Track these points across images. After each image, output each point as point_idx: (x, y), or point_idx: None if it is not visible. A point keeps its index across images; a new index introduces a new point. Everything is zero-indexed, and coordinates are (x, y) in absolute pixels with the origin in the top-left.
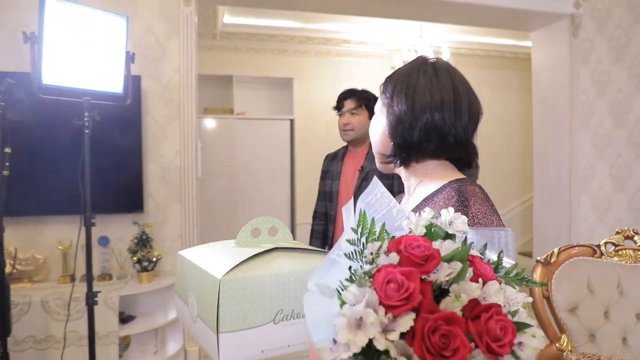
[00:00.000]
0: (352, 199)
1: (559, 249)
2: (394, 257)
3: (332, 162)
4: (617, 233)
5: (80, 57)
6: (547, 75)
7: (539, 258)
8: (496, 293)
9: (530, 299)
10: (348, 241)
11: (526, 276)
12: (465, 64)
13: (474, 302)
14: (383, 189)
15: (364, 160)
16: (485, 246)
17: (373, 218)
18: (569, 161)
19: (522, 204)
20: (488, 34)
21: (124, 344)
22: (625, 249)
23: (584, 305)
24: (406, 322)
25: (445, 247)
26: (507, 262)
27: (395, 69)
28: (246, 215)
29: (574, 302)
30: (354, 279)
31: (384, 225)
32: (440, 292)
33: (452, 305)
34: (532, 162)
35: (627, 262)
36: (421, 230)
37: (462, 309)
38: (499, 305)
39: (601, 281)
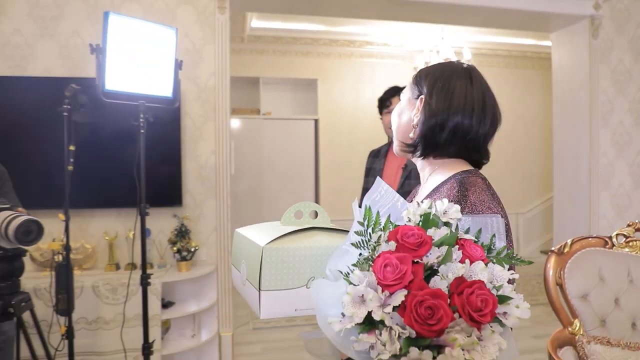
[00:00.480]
0: (356, 199)
1: (572, 239)
2: (392, 245)
3: (375, 160)
4: (629, 225)
5: (136, 65)
6: (567, 75)
7: (552, 248)
8: (481, 271)
9: (517, 275)
10: (356, 232)
11: (515, 255)
12: (488, 64)
13: (459, 280)
14: (386, 186)
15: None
16: (479, 231)
17: (378, 211)
18: (589, 159)
19: (543, 203)
20: (509, 34)
21: (165, 327)
22: (635, 241)
23: (595, 293)
24: (398, 297)
25: (439, 234)
26: (500, 243)
27: (419, 69)
28: (272, 212)
29: (586, 289)
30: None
31: (389, 217)
32: (432, 272)
33: (439, 283)
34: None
35: (637, 252)
36: (417, 219)
37: (448, 285)
38: (482, 282)
39: (612, 270)
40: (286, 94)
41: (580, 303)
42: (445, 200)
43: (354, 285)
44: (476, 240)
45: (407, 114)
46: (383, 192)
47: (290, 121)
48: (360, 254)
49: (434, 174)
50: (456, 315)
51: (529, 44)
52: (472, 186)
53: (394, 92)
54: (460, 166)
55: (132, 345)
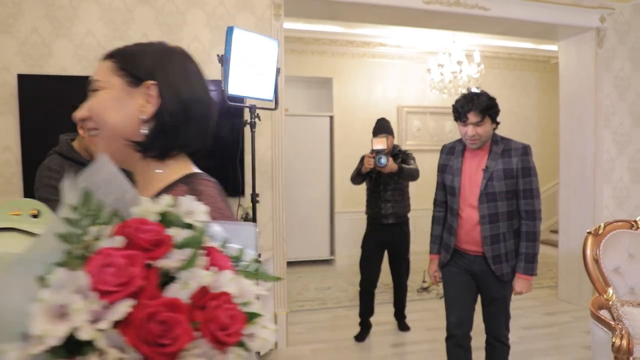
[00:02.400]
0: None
1: (605, 223)
2: (119, 240)
3: (451, 157)
4: None
5: (249, 72)
6: (573, 80)
7: (589, 230)
8: (229, 282)
9: (264, 292)
10: (67, 220)
11: (262, 271)
12: (489, 66)
13: (203, 290)
14: (114, 170)
15: (487, 159)
16: (226, 240)
17: (101, 201)
18: (593, 156)
19: None
20: (512, 38)
21: None
22: None
23: (624, 266)
24: (121, 308)
25: (181, 236)
26: (250, 255)
27: (431, 71)
28: (290, 204)
29: (618, 264)
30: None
31: (116, 211)
32: (170, 280)
33: (178, 292)
34: (548, 158)
35: None
36: (154, 218)
37: (191, 297)
38: (229, 294)
39: (638, 248)
40: (303, 92)
41: (613, 275)
42: (189, 198)
43: (53, 289)
44: (223, 249)
45: (127, 105)
46: (109, 176)
47: (307, 118)
48: (70, 252)
49: (151, 179)
50: (197, 334)
51: (528, 47)
52: (206, 195)
53: (469, 107)
54: (184, 166)
55: None
